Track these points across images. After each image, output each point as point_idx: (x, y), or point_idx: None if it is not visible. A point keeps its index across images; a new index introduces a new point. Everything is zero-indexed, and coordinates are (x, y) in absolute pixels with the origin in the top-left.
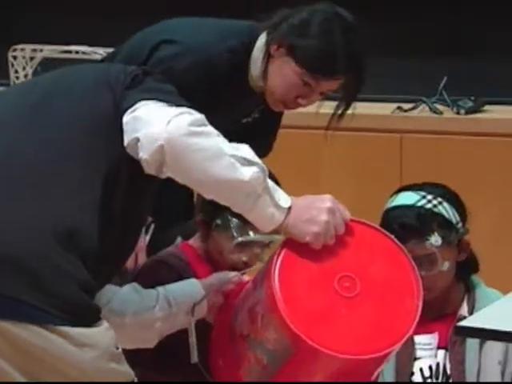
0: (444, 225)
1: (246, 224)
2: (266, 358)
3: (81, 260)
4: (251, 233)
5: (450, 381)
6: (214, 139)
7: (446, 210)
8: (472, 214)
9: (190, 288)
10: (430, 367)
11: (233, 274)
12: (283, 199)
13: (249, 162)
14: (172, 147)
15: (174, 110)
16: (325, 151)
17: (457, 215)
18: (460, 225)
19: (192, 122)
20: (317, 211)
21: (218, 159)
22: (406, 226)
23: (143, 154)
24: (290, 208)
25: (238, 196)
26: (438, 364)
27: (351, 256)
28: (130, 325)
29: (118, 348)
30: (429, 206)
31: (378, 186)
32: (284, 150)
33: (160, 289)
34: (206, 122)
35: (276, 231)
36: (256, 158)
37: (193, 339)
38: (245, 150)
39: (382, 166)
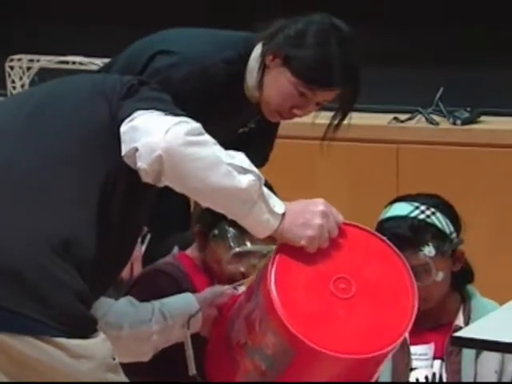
0: (437, 235)
1: (243, 234)
2: (265, 365)
3: (77, 270)
4: (248, 243)
5: None
6: (211, 148)
7: (440, 220)
8: (467, 225)
9: (184, 301)
10: (426, 377)
11: (226, 287)
12: (278, 205)
13: (245, 170)
14: (170, 157)
15: (172, 119)
16: (321, 162)
17: (450, 225)
18: (454, 235)
19: (189, 131)
20: (310, 215)
21: (215, 168)
22: (400, 237)
23: (142, 164)
24: (284, 214)
25: (235, 203)
26: (434, 374)
27: (345, 258)
28: (126, 337)
29: (114, 359)
30: (422, 216)
31: (374, 196)
32: (280, 160)
33: (155, 302)
34: (203, 131)
35: (271, 237)
36: (252, 166)
37: (189, 352)
38: (241, 158)
39: (379, 176)
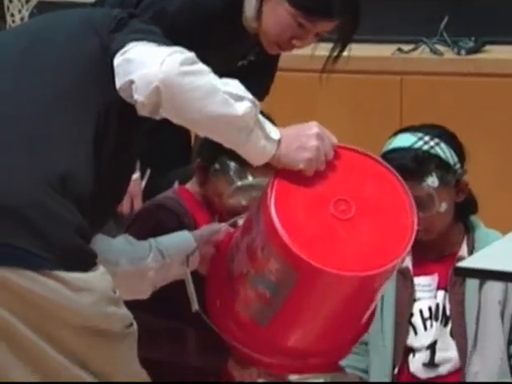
0: (441, 166)
1: (244, 168)
2: (269, 292)
3: (75, 205)
4: (250, 177)
5: (450, 321)
6: (207, 76)
7: (444, 151)
8: (472, 156)
9: (181, 239)
10: (430, 308)
11: (222, 224)
12: (273, 131)
13: (241, 98)
14: (168, 87)
15: (166, 50)
16: (324, 94)
17: (454, 156)
18: (458, 166)
19: (183, 60)
20: (306, 138)
21: (211, 96)
22: (404, 168)
23: (139, 97)
24: (280, 139)
25: (232, 131)
26: (437, 305)
27: (342, 180)
28: (123, 274)
29: (115, 292)
30: (426, 147)
31: (378, 128)
32: (280, 93)
33: (152, 240)
34: (197, 60)
35: (270, 167)
36: (247, 93)
37: (191, 288)
38: (235, 86)
39: (383, 108)
